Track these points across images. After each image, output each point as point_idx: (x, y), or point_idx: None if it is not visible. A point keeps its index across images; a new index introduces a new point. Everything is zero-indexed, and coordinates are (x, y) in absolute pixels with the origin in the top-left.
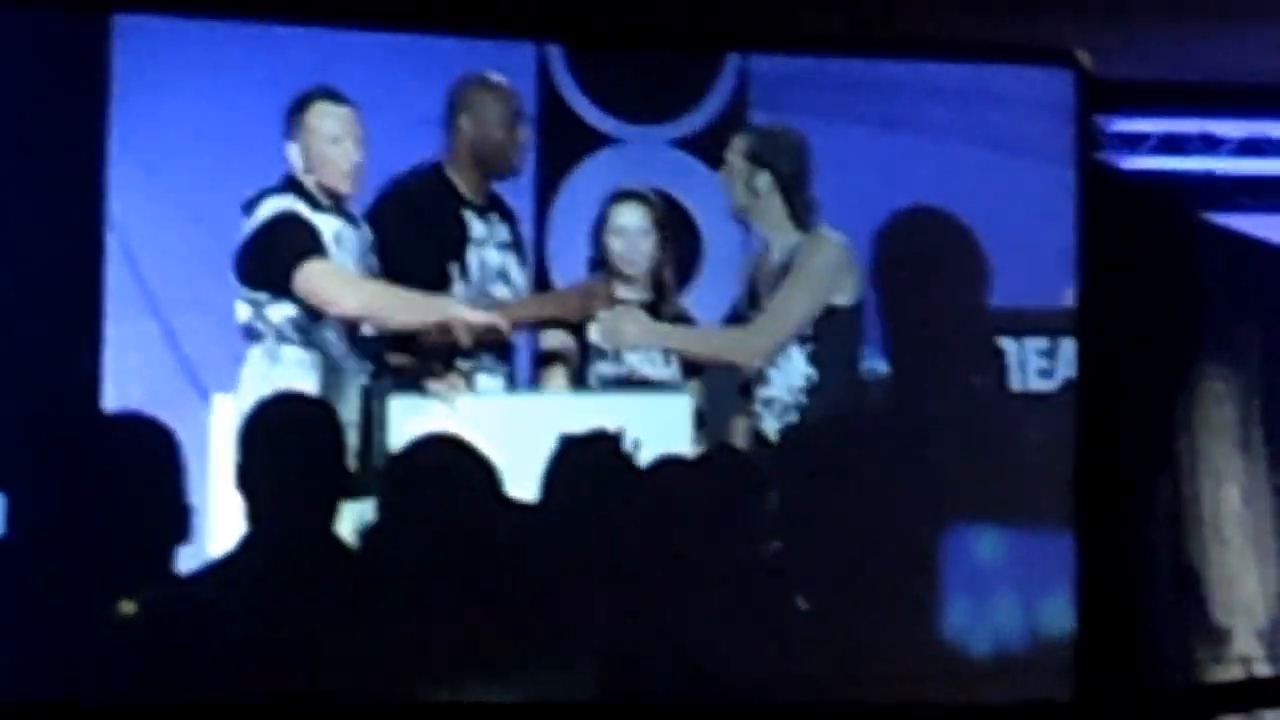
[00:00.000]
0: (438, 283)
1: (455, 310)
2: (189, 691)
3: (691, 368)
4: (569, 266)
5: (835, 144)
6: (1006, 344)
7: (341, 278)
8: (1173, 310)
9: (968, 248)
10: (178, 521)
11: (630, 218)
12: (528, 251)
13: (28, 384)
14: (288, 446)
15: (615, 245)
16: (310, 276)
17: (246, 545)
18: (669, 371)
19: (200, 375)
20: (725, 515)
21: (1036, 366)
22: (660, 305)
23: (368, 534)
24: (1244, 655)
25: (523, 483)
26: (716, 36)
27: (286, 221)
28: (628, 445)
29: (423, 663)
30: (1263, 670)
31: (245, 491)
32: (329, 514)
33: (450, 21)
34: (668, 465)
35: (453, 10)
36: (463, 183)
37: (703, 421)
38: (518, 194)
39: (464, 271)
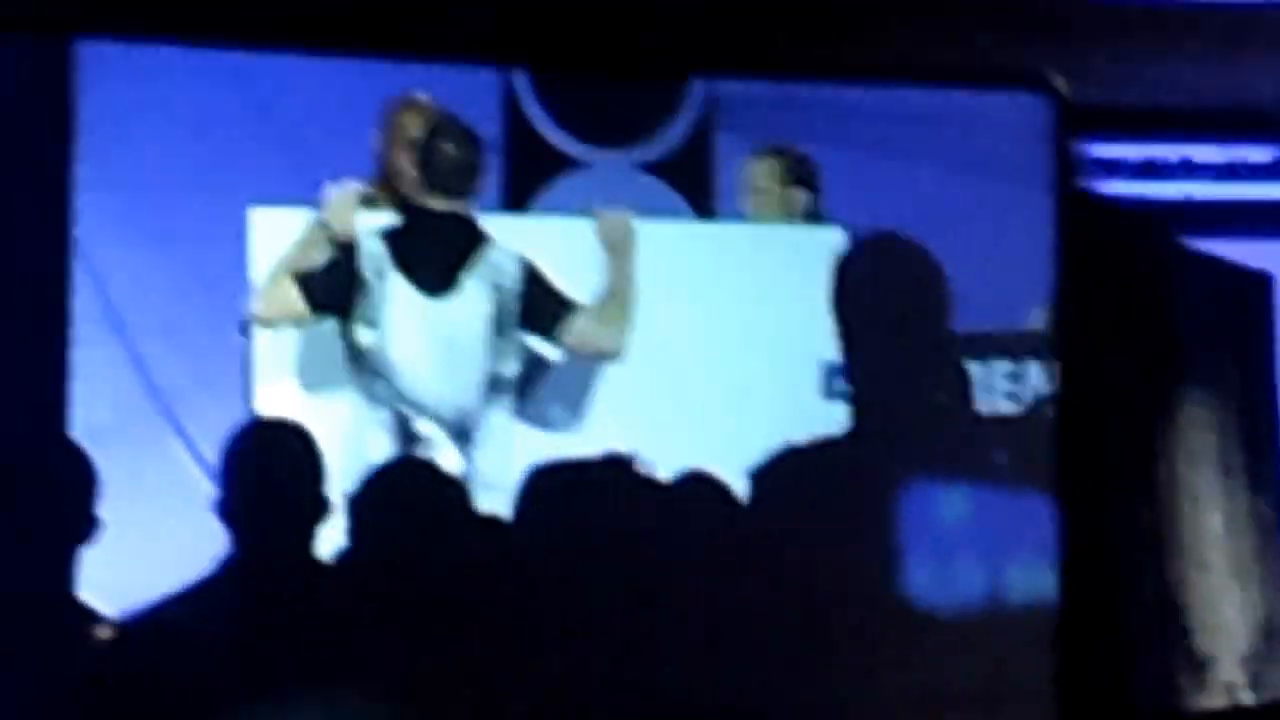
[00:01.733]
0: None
1: None
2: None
3: None
4: None
5: None
6: (973, 368)
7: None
8: (1152, 335)
9: (929, 271)
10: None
11: None
12: None
13: None
14: (270, 473)
15: None
16: (584, 329)
17: (226, 568)
18: None
19: (170, 403)
20: (700, 542)
21: (1004, 390)
22: None
23: (342, 558)
24: (1228, 682)
25: None
26: (684, 61)
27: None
28: (642, 468)
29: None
30: (1246, 698)
31: (225, 517)
32: (309, 538)
33: (417, 46)
34: (639, 487)
35: (419, 36)
36: (384, 199)
37: None
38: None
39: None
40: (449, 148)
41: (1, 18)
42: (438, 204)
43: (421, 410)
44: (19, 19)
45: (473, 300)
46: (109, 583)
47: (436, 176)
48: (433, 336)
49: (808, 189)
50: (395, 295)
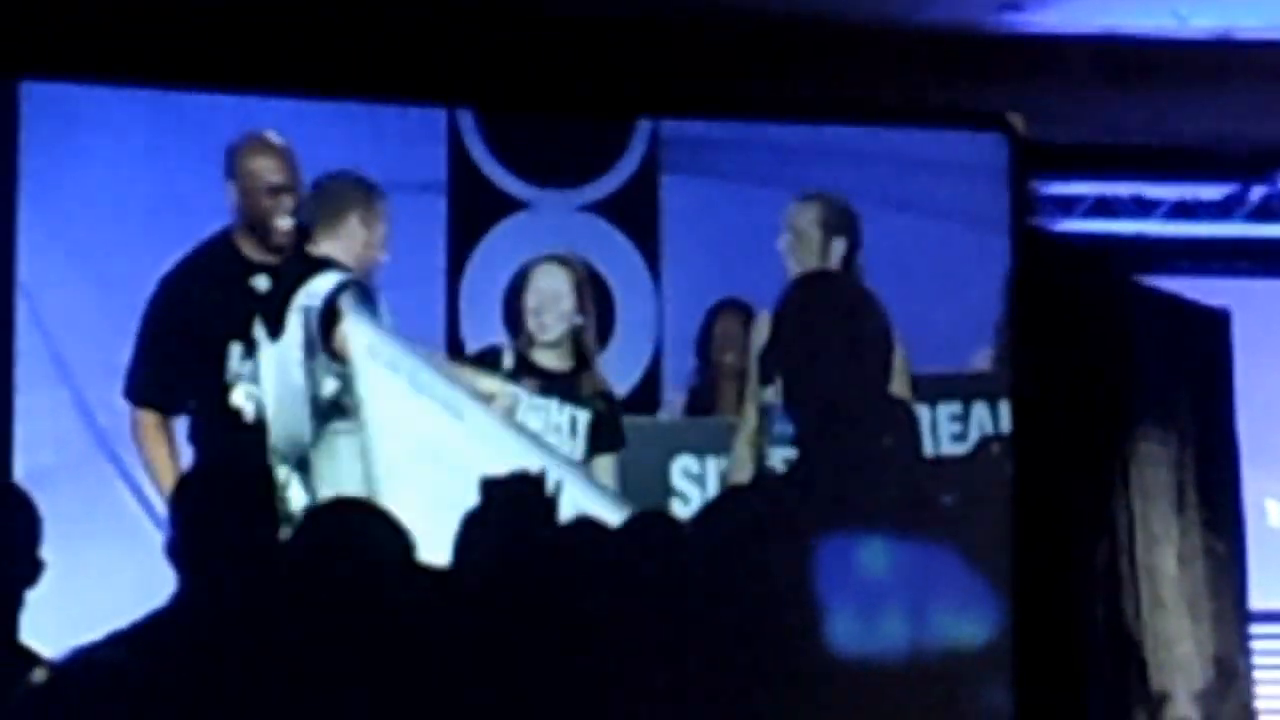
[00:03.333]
0: (215, 359)
1: None
2: None
3: (599, 443)
4: (482, 329)
5: (754, 208)
6: (920, 410)
7: None
8: (1107, 373)
9: (872, 311)
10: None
11: (549, 279)
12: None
13: None
14: (226, 514)
15: (531, 303)
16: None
17: (174, 609)
18: (573, 445)
19: (113, 443)
20: (643, 583)
21: (950, 431)
22: (581, 374)
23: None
24: (1182, 718)
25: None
26: (631, 100)
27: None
28: (550, 488)
29: None
30: None
31: (178, 556)
32: (259, 581)
33: (363, 86)
34: (587, 526)
35: (365, 75)
36: (251, 245)
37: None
38: (430, 256)
39: (250, 348)
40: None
41: None
42: (314, 249)
43: (273, 453)
44: None
45: (291, 330)
46: (52, 625)
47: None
48: (273, 379)
49: (848, 239)
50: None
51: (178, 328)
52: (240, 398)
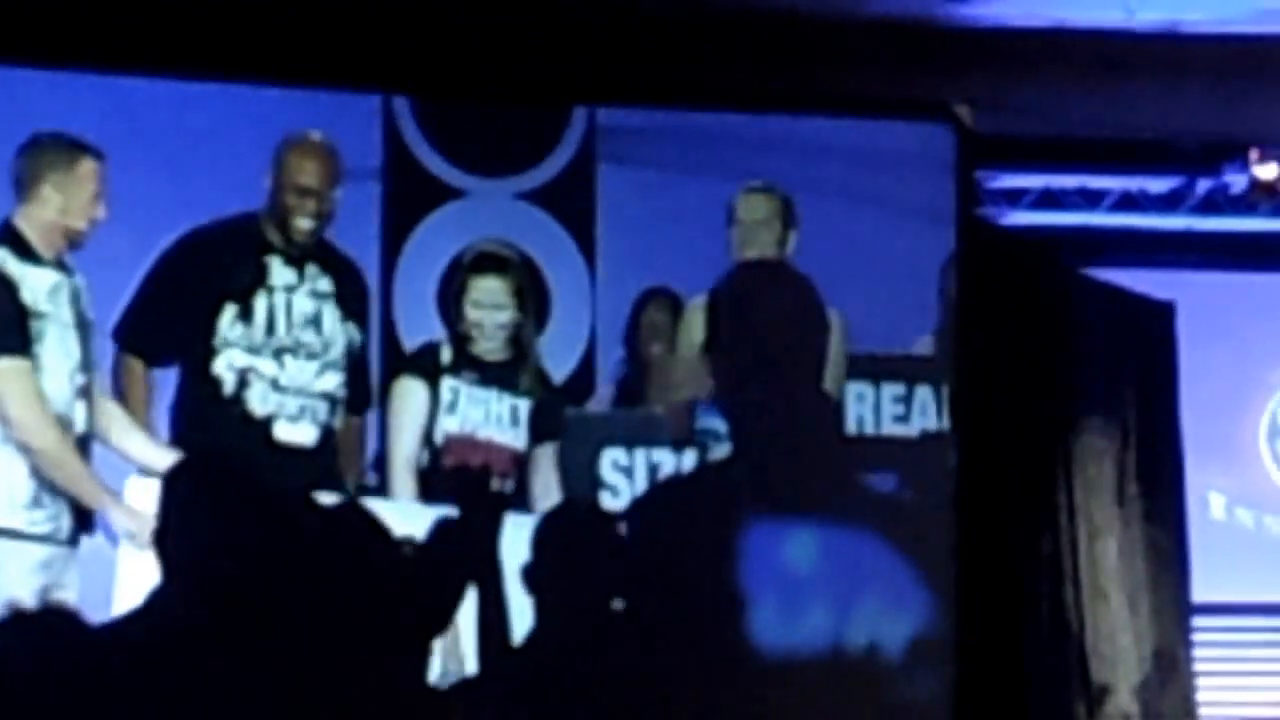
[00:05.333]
0: (207, 317)
1: (104, 504)
2: None
3: (541, 432)
4: (416, 317)
5: (692, 198)
6: (863, 388)
7: (37, 405)
8: (1051, 364)
9: (808, 300)
10: None
11: (488, 293)
12: (369, 304)
13: None
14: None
15: (472, 315)
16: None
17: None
18: (515, 433)
19: None
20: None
21: (892, 412)
22: (520, 363)
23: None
24: (1123, 711)
25: None
26: (568, 89)
27: None
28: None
29: None
30: None
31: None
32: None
33: (299, 72)
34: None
35: (301, 61)
36: (274, 232)
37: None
38: (364, 243)
39: (246, 313)
40: None
41: None
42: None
43: None
44: None
45: None
46: None
47: None
48: None
49: (795, 230)
50: None
51: (181, 284)
52: (221, 367)
